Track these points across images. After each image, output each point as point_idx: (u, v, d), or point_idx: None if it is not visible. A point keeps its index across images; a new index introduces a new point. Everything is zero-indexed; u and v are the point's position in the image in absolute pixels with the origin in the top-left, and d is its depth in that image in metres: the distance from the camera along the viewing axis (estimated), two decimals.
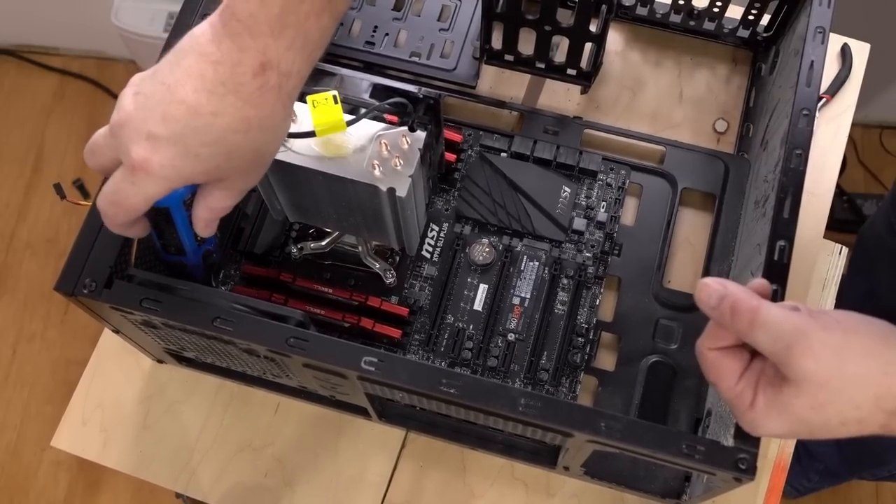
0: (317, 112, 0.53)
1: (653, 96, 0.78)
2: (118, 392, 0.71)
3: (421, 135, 0.57)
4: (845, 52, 0.79)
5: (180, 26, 0.58)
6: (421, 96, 0.59)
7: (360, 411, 0.66)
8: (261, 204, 0.70)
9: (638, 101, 0.78)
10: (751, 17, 0.74)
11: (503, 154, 0.73)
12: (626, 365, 0.67)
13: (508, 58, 0.75)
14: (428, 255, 0.70)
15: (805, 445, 1.14)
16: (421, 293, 0.69)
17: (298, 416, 0.69)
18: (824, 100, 0.77)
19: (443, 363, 0.67)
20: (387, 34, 0.76)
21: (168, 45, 0.47)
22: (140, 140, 0.44)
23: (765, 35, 0.75)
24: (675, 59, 0.79)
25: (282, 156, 0.55)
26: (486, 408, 0.50)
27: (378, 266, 0.68)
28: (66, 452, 0.70)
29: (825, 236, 0.74)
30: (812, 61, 0.60)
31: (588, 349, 0.67)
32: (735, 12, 0.75)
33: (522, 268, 0.69)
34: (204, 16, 0.46)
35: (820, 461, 1.16)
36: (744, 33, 0.76)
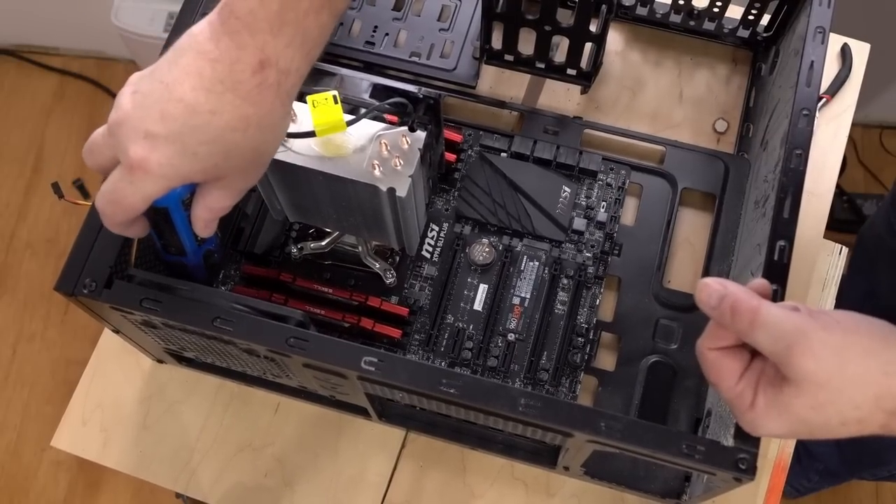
0: (317, 112, 0.53)
1: (653, 96, 0.78)
2: (118, 392, 0.71)
3: (421, 135, 0.57)
4: (845, 52, 0.79)
5: (180, 26, 0.58)
6: (421, 96, 0.59)
7: (360, 411, 0.66)
8: (261, 204, 0.70)
9: (638, 101, 0.78)
10: (751, 17, 0.74)
11: (503, 154, 0.73)
12: (626, 365, 0.67)
13: (508, 58, 0.75)
14: (428, 255, 0.70)
15: (805, 445, 1.14)
16: (421, 293, 0.69)
17: (298, 416, 0.69)
18: (824, 100, 0.77)
19: (443, 363, 0.67)
20: (387, 34, 0.76)
21: (168, 44, 0.47)
22: (138, 139, 0.44)
23: (765, 35, 0.75)
24: (675, 59, 0.79)
25: (282, 156, 0.55)
26: (486, 408, 0.50)
27: (378, 266, 0.68)
28: (66, 452, 0.70)
29: (825, 236, 0.74)
30: (812, 61, 0.60)
31: (588, 349, 0.67)
32: (735, 12, 0.75)
33: (522, 268, 0.69)
34: (204, 15, 0.46)
35: (820, 461, 1.16)
36: (744, 33, 0.76)
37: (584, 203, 0.72)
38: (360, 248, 0.69)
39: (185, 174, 0.46)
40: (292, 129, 0.55)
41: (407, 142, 0.56)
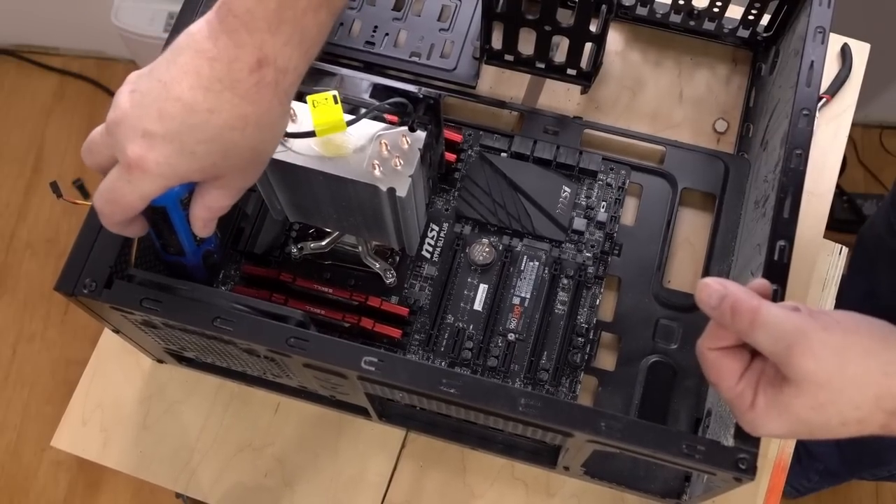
0: (317, 112, 0.53)
1: (653, 96, 0.78)
2: (118, 392, 0.71)
3: (421, 135, 0.57)
4: (845, 52, 0.79)
5: (180, 26, 0.58)
6: (421, 96, 0.59)
7: (360, 411, 0.66)
8: (261, 204, 0.70)
9: (638, 101, 0.78)
10: (751, 17, 0.74)
11: (503, 154, 0.73)
12: (626, 365, 0.67)
13: (508, 58, 0.75)
14: (428, 255, 0.70)
15: (805, 445, 1.14)
16: (421, 293, 0.69)
17: (298, 416, 0.69)
18: (824, 100, 0.77)
19: (443, 363, 0.67)
20: (387, 34, 0.76)
21: (168, 44, 0.47)
22: (136, 138, 0.44)
23: (765, 35, 0.75)
24: (675, 59, 0.79)
25: (282, 155, 0.55)
26: (486, 408, 0.50)
27: (378, 266, 0.68)
28: (66, 452, 0.70)
29: (825, 236, 0.74)
30: (812, 61, 0.60)
31: (588, 349, 0.67)
32: (735, 12, 0.75)
33: (522, 268, 0.69)
34: (203, 14, 0.46)
35: (820, 461, 1.16)
36: (744, 33, 0.76)
37: (584, 203, 0.72)
38: (360, 248, 0.69)
39: (184, 173, 0.46)
40: (292, 128, 0.55)
41: (407, 142, 0.56)
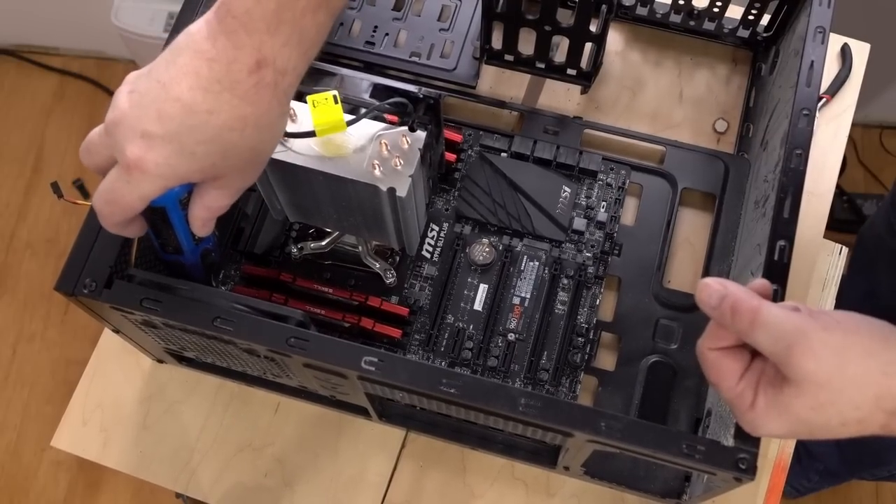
0: (317, 112, 0.53)
1: (653, 96, 0.78)
2: (118, 392, 0.70)
3: (421, 135, 0.57)
4: (845, 52, 0.79)
5: (180, 26, 0.58)
6: (421, 96, 0.59)
7: (360, 411, 0.66)
8: (261, 204, 0.70)
9: (638, 101, 0.78)
10: (751, 17, 0.74)
11: (503, 154, 0.73)
12: (626, 365, 0.67)
13: (508, 58, 0.75)
14: (428, 255, 0.70)
15: (805, 445, 1.14)
16: (421, 293, 0.69)
17: (298, 416, 0.69)
18: (824, 100, 0.77)
19: (443, 363, 0.67)
20: (387, 34, 0.76)
21: (167, 45, 0.47)
22: (135, 138, 0.44)
23: (765, 35, 0.75)
24: (675, 59, 0.79)
25: (282, 155, 0.55)
26: (486, 408, 0.50)
27: (378, 266, 0.68)
28: (66, 452, 0.70)
29: (825, 236, 0.74)
30: (812, 61, 0.60)
31: (588, 349, 0.67)
32: (735, 12, 0.75)
33: (522, 268, 0.69)
34: (203, 15, 0.46)
35: (820, 461, 1.16)
36: (744, 33, 0.76)
37: (584, 203, 0.72)
38: (360, 248, 0.69)
39: (183, 174, 0.46)
40: (292, 128, 0.55)
41: (407, 142, 0.56)
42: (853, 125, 0.77)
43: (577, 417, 0.49)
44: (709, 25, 0.77)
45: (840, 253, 0.74)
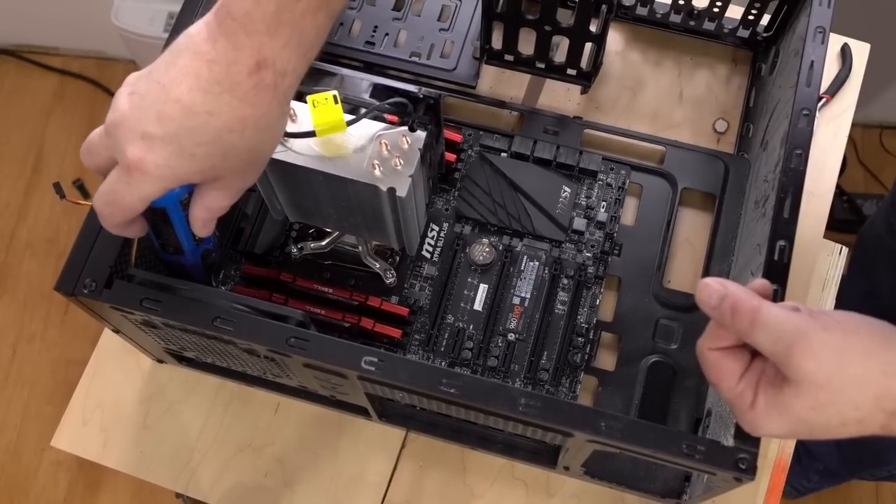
0: (317, 112, 0.53)
1: (653, 96, 0.78)
2: (118, 392, 0.71)
3: (421, 135, 0.57)
4: (845, 52, 0.79)
5: (180, 26, 0.58)
6: (421, 96, 0.59)
7: (360, 411, 0.66)
8: (261, 204, 0.70)
9: (638, 101, 0.78)
10: (751, 17, 0.74)
11: (503, 154, 0.73)
12: (626, 365, 0.67)
13: (508, 58, 0.75)
14: (428, 255, 0.70)
15: (805, 445, 1.14)
16: (421, 293, 0.69)
17: (298, 416, 0.69)
18: (824, 100, 0.77)
19: (443, 363, 0.67)
20: (387, 34, 0.76)
21: (167, 45, 0.47)
22: (135, 140, 0.44)
23: (765, 35, 0.75)
24: (675, 59, 0.79)
25: (282, 155, 0.55)
26: (486, 408, 0.50)
27: (378, 266, 0.68)
28: (66, 452, 0.70)
29: (825, 236, 0.74)
30: (812, 61, 0.60)
31: (588, 349, 0.67)
32: (735, 12, 0.75)
33: (522, 268, 0.69)
34: (203, 15, 0.46)
35: (820, 461, 1.16)
36: (744, 33, 0.76)
37: (584, 203, 0.72)
38: (360, 248, 0.69)
39: (183, 175, 0.46)
40: (292, 128, 0.55)
41: (407, 142, 0.56)
42: (853, 125, 0.77)
43: (577, 417, 0.49)
44: (709, 25, 0.77)
45: (840, 253, 0.74)
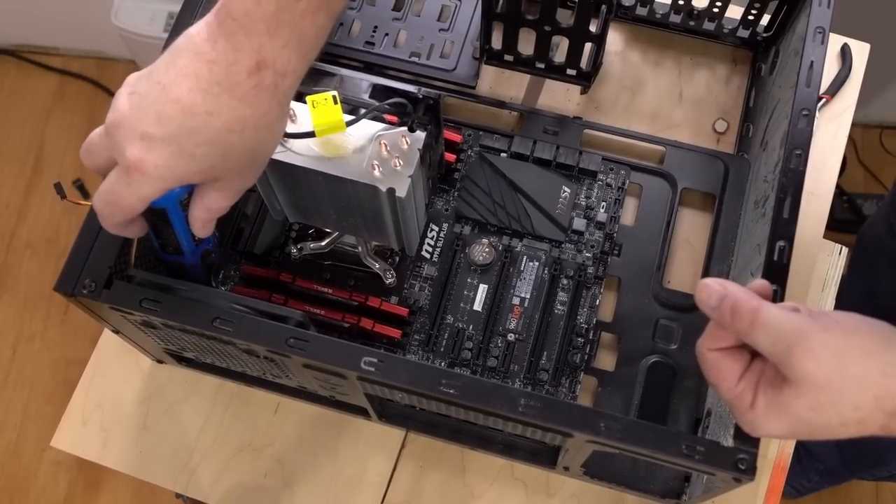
0: (316, 112, 0.53)
1: (653, 96, 0.78)
2: (118, 392, 0.71)
3: (421, 135, 0.57)
4: (845, 52, 0.79)
5: (179, 26, 0.58)
6: (421, 96, 0.59)
7: (359, 411, 0.66)
8: (260, 204, 0.70)
9: (638, 101, 0.78)
10: (751, 18, 0.74)
11: (503, 154, 0.73)
12: (626, 365, 0.67)
13: (508, 58, 0.75)
14: (428, 256, 0.70)
15: (805, 445, 1.14)
16: (421, 293, 0.69)
17: (298, 417, 0.69)
18: (824, 100, 0.77)
19: (443, 363, 0.67)
20: (387, 34, 0.76)
21: (167, 45, 0.47)
22: (134, 140, 0.44)
23: (765, 35, 0.75)
24: (675, 59, 0.79)
25: (281, 156, 0.55)
26: (486, 408, 0.50)
27: (378, 266, 0.68)
28: (66, 452, 0.70)
29: (825, 236, 0.74)
30: (812, 61, 0.60)
31: (588, 349, 0.67)
32: (735, 12, 0.75)
33: (522, 268, 0.69)
34: (203, 16, 0.46)
35: (820, 461, 1.16)
36: (744, 33, 0.76)
37: (583, 203, 0.72)
38: (359, 249, 0.69)
39: (182, 176, 0.46)
40: (292, 129, 0.55)
41: (406, 142, 0.56)
42: (853, 125, 0.77)
43: (577, 418, 0.49)
44: (708, 25, 0.77)
45: (840, 253, 0.74)
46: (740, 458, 0.48)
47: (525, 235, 0.70)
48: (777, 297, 0.51)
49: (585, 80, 0.75)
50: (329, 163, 0.56)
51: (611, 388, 0.66)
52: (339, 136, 0.56)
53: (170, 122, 0.44)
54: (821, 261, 0.74)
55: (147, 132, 0.44)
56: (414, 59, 0.75)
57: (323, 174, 0.55)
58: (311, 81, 0.60)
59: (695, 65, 0.79)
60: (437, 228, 0.71)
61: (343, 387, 0.57)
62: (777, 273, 0.52)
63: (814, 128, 0.57)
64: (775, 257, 0.53)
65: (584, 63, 0.73)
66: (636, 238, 0.71)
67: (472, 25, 0.76)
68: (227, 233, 0.70)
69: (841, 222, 1.48)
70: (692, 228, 0.73)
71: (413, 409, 0.64)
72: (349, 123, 0.55)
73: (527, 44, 0.73)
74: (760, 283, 0.47)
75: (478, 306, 0.68)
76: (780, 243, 0.53)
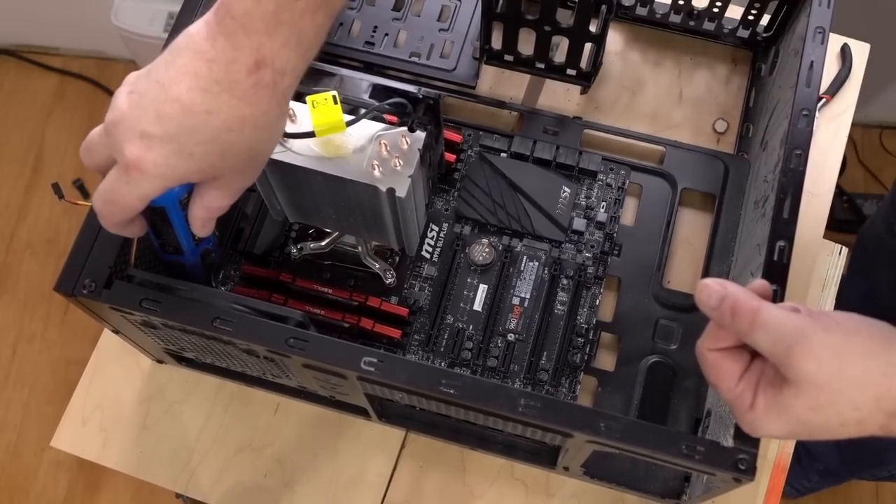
0: (316, 112, 0.53)
1: (652, 96, 0.78)
2: (118, 392, 0.71)
3: (420, 135, 0.57)
4: (845, 52, 0.78)
5: (179, 26, 0.58)
6: (421, 96, 0.59)
7: (359, 411, 0.66)
8: (260, 204, 0.70)
9: (638, 102, 0.78)
10: (751, 18, 0.74)
11: (503, 154, 0.73)
12: (626, 365, 0.67)
13: (508, 58, 0.75)
14: (428, 256, 0.70)
15: (805, 445, 1.14)
16: (421, 293, 0.69)
17: (298, 417, 0.69)
18: (824, 100, 0.77)
19: (443, 363, 0.67)
20: (387, 34, 0.76)
21: (167, 45, 0.47)
22: (134, 139, 0.44)
23: (765, 35, 0.75)
24: (675, 59, 0.79)
25: (281, 156, 0.55)
26: (486, 408, 0.50)
27: (378, 266, 0.68)
28: (66, 452, 0.70)
29: (825, 236, 0.74)
30: (812, 61, 0.60)
31: (588, 349, 0.67)
32: (735, 12, 0.75)
33: (522, 268, 0.69)
34: (202, 15, 0.46)
35: (820, 461, 1.16)
36: (744, 33, 0.76)
37: (583, 203, 0.72)
38: (359, 249, 0.69)
39: (182, 174, 0.46)
40: (292, 129, 0.55)
41: (406, 142, 0.56)
42: (853, 125, 0.77)
43: (577, 418, 0.49)
44: (708, 25, 0.77)
45: (840, 253, 0.74)
46: (740, 459, 0.48)
47: (525, 235, 0.70)
48: (777, 297, 0.51)
49: (585, 80, 0.75)
50: (329, 163, 0.56)
51: (611, 389, 0.66)
52: (339, 136, 0.56)
53: (169, 120, 0.44)
54: (821, 261, 0.74)
55: (146, 131, 0.44)
56: (414, 59, 0.75)
57: (323, 174, 0.55)
58: (311, 81, 0.60)
59: (695, 65, 0.79)
60: (437, 228, 0.71)
61: (343, 387, 0.57)
62: (777, 273, 0.52)
63: (814, 128, 0.57)
64: (775, 257, 0.53)
65: (584, 63, 0.73)
66: (636, 238, 0.71)
67: (472, 25, 0.76)
68: (227, 233, 0.70)
69: (841, 222, 1.48)
70: (692, 228, 0.73)
71: (413, 409, 0.64)
72: (349, 123, 0.55)
73: (527, 44, 0.73)
74: (760, 283, 0.47)
75: (478, 306, 0.68)
76: (780, 243, 0.53)
